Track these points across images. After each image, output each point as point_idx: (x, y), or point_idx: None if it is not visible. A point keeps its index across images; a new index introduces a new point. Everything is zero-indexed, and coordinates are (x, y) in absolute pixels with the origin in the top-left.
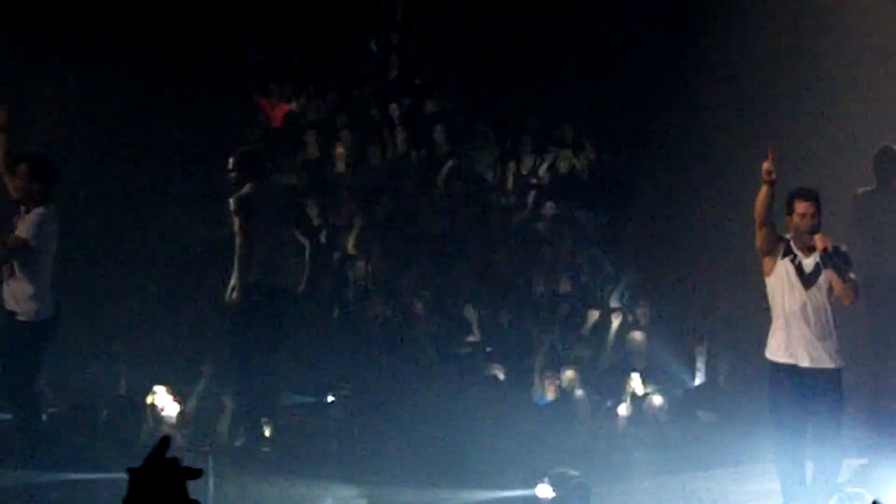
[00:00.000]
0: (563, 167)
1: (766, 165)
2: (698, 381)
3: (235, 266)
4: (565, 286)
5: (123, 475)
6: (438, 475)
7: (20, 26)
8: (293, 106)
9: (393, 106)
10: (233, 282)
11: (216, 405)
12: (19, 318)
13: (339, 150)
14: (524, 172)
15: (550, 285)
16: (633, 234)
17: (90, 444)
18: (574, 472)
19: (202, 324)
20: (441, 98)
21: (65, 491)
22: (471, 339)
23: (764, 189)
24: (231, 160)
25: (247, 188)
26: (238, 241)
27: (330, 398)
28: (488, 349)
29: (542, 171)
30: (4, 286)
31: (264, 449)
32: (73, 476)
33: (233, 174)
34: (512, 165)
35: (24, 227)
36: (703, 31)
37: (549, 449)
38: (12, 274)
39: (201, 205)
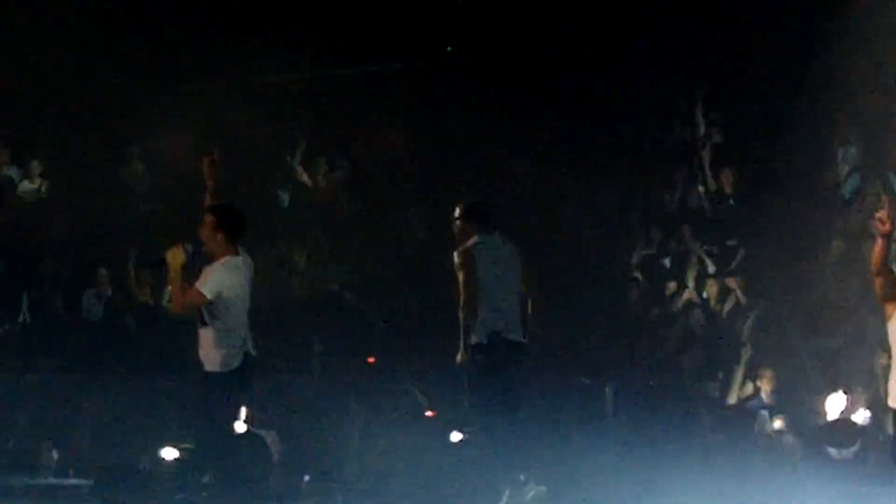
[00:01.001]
0: (691, 202)
1: (878, 215)
2: (831, 417)
3: (461, 323)
4: (697, 323)
5: None
6: None
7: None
8: None
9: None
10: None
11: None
12: (205, 368)
13: None
14: (650, 208)
15: (680, 321)
16: (765, 268)
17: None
18: None
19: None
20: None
21: None
22: (594, 375)
23: (879, 241)
24: (458, 209)
25: (472, 241)
26: (462, 297)
27: (457, 436)
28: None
29: (672, 205)
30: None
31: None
32: None
33: (457, 223)
34: (638, 201)
35: (201, 279)
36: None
37: (680, 489)
38: (202, 325)
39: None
